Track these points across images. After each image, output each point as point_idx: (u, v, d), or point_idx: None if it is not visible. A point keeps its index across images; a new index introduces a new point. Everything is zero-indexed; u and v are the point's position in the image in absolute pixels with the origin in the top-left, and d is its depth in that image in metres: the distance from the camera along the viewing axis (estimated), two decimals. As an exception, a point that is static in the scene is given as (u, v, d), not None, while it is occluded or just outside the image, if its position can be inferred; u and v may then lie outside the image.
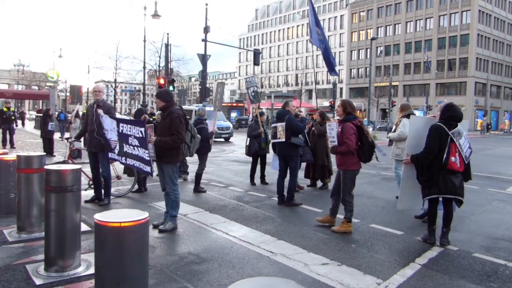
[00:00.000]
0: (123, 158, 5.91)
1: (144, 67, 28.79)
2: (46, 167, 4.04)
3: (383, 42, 64.14)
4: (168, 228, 5.39)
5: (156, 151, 5.41)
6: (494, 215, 6.79)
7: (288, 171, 7.11)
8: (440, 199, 5.12)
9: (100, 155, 6.68)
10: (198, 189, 8.14)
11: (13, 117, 16.44)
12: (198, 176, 8.26)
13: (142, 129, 5.29)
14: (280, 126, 6.99)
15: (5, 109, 16.43)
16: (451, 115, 5.01)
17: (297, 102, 43.23)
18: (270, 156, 10.11)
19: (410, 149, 5.24)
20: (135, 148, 5.49)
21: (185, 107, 18.24)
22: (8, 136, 16.09)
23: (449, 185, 4.85)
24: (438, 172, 4.86)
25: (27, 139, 20.41)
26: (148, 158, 5.28)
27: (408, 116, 6.79)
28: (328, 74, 68.96)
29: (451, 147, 4.86)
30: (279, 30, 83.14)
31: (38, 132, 23.68)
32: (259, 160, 9.50)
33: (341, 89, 68.49)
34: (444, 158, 4.80)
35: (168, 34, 26.00)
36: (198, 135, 6.03)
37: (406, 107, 7.29)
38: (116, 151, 6.08)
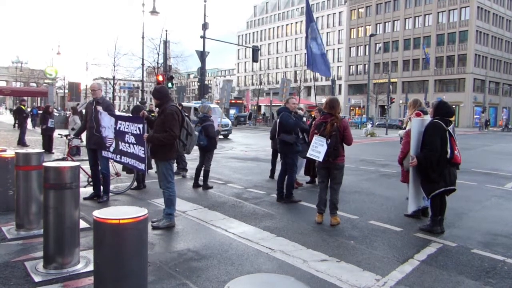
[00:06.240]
0: (118, 156, 5.90)
1: (143, 64, 28.75)
2: (44, 164, 4.03)
3: (382, 38, 64.02)
4: (161, 226, 5.35)
5: (150, 147, 5.41)
6: (492, 211, 6.80)
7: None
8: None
9: (99, 152, 6.67)
10: (207, 186, 8.16)
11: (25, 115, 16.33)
12: (207, 173, 8.26)
13: (140, 126, 5.28)
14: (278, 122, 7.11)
15: (22, 107, 16.37)
16: (445, 112, 5.26)
17: (296, 98, 43.17)
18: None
19: (414, 151, 5.35)
20: (131, 145, 5.48)
21: (184, 104, 18.21)
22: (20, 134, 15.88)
23: (452, 177, 5.18)
24: (446, 166, 5.11)
25: (26, 136, 20.33)
26: (143, 155, 5.26)
27: (422, 112, 6.29)
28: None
29: (451, 141, 5.12)
30: (277, 27, 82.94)
31: (35, 129, 23.77)
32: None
33: (339, 85, 68.42)
34: (450, 153, 5.07)
35: (166, 31, 25.88)
36: (196, 133, 5.99)
37: (416, 102, 6.75)
38: (112, 149, 6.07)
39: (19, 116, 16.31)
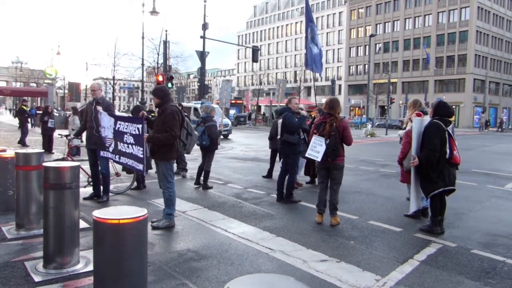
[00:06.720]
0: (117, 156, 5.90)
1: (143, 64, 28.74)
2: (44, 164, 4.03)
3: (382, 39, 64.01)
4: (161, 226, 5.36)
5: (150, 147, 5.42)
6: (492, 212, 6.80)
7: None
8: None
9: (98, 152, 6.67)
10: (206, 186, 8.15)
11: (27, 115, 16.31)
12: (207, 173, 8.25)
13: (139, 126, 5.28)
14: (279, 122, 7.11)
15: (24, 107, 16.33)
16: (445, 112, 5.28)
17: (297, 98, 43.11)
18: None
19: (416, 151, 5.36)
20: (130, 146, 5.48)
21: (184, 104, 18.21)
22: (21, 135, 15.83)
23: (451, 178, 5.18)
24: (445, 166, 5.12)
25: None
26: (141, 156, 5.26)
27: (422, 112, 6.30)
28: (326, 70, 69.06)
29: (451, 141, 5.13)
30: (277, 27, 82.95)
31: (35, 129, 23.74)
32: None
33: (339, 86, 68.42)
34: (449, 153, 5.08)
35: (166, 31, 25.89)
36: (196, 133, 6.00)
37: (416, 103, 6.67)
38: (111, 149, 6.07)
39: (21, 116, 16.32)
